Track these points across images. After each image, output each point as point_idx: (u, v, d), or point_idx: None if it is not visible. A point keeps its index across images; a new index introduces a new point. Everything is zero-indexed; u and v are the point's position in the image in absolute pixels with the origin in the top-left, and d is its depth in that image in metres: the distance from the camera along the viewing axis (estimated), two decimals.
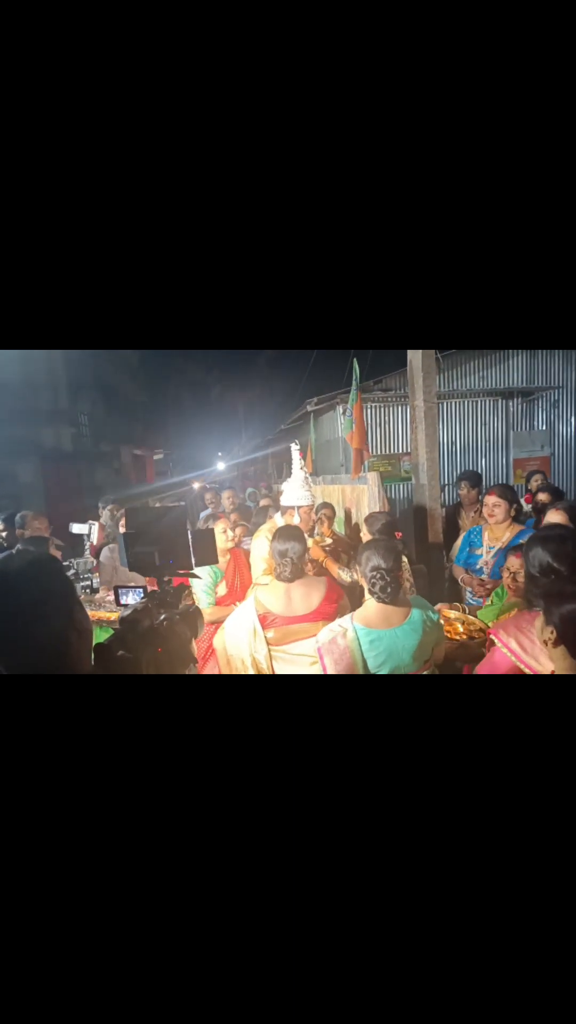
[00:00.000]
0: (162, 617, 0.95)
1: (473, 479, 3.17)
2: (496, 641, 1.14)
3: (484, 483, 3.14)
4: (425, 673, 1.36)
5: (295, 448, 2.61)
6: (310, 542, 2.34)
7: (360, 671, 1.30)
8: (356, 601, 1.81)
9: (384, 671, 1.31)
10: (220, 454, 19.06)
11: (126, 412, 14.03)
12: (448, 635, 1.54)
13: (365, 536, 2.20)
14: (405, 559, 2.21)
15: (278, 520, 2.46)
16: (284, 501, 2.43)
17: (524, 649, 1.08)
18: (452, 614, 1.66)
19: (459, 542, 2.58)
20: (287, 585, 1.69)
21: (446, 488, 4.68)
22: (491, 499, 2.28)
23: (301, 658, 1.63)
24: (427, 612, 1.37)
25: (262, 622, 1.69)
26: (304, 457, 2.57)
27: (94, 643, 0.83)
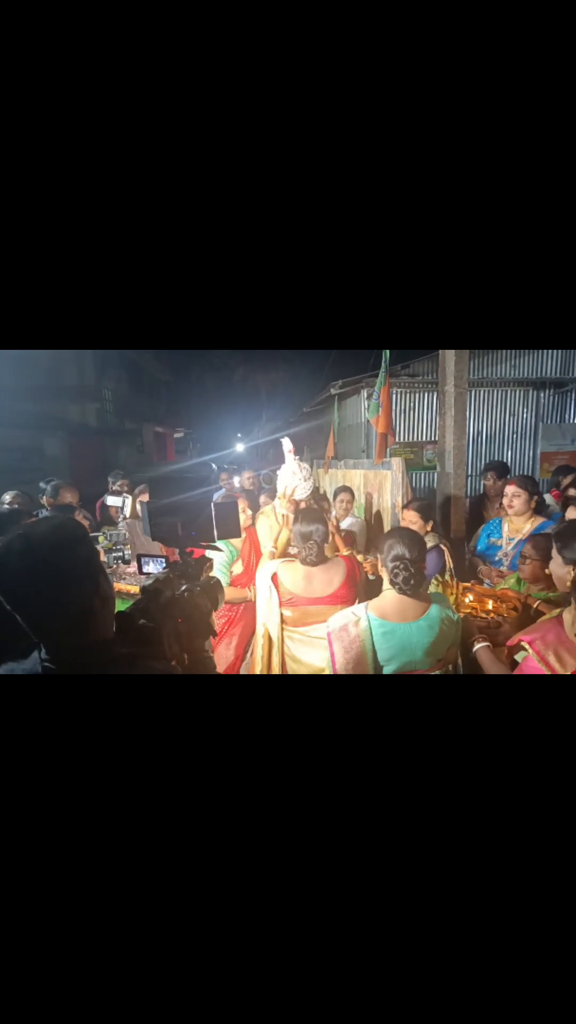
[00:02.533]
0: (183, 588, 0.95)
1: (500, 470, 3.09)
2: (531, 652, 1.10)
3: (512, 475, 3.05)
4: (437, 672, 1.33)
5: (285, 441, 2.45)
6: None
7: (368, 662, 1.27)
8: (371, 590, 1.83)
9: (393, 665, 1.27)
10: (239, 435, 19.01)
11: (150, 390, 14.08)
12: (473, 612, 1.49)
13: (404, 521, 2.14)
14: (446, 546, 2.16)
15: (277, 506, 2.40)
16: (296, 494, 2.32)
17: (562, 662, 1.04)
18: (480, 589, 1.60)
19: (479, 533, 2.53)
20: (303, 568, 1.69)
21: (470, 479, 4.57)
22: (511, 489, 2.23)
23: (319, 640, 1.62)
24: (446, 611, 1.33)
25: (282, 602, 1.70)
26: (294, 447, 2.45)
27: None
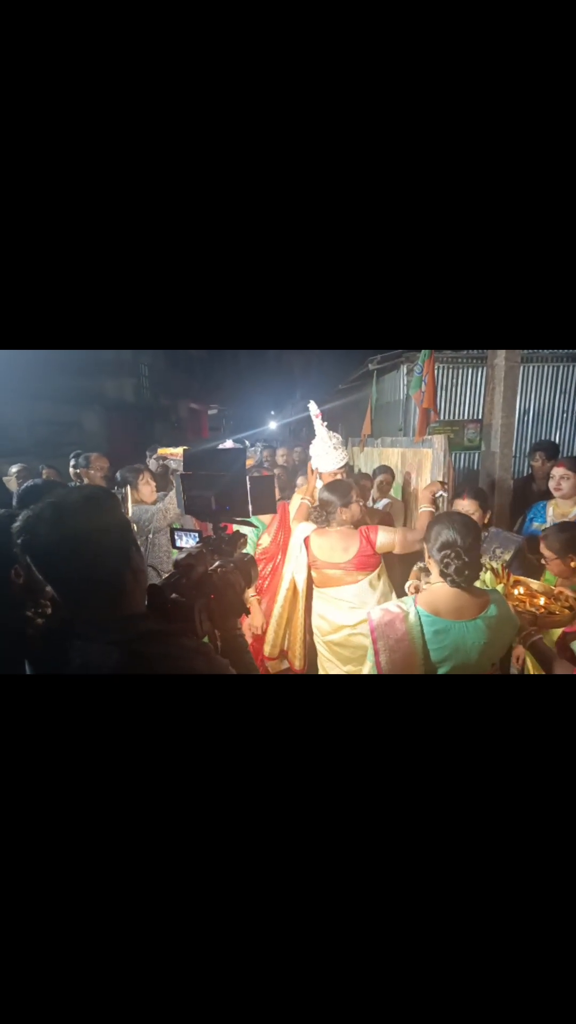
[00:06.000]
0: (216, 564, 0.92)
1: (550, 450, 2.90)
2: None
3: (561, 456, 2.85)
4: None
5: (312, 406, 2.37)
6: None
7: (419, 663, 1.12)
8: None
9: (445, 668, 1.13)
10: (272, 413, 18.86)
11: (185, 366, 14.10)
12: (520, 604, 1.38)
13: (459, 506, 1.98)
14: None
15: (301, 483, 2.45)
16: (320, 467, 2.29)
17: None
18: (535, 585, 1.47)
19: (524, 517, 2.41)
20: (327, 536, 1.94)
21: (516, 459, 4.34)
22: (559, 471, 2.08)
23: (341, 602, 1.93)
24: (506, 610, 1.18)
25: (309, 562, 1.98)
26: (320, 412, 2.35)
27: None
